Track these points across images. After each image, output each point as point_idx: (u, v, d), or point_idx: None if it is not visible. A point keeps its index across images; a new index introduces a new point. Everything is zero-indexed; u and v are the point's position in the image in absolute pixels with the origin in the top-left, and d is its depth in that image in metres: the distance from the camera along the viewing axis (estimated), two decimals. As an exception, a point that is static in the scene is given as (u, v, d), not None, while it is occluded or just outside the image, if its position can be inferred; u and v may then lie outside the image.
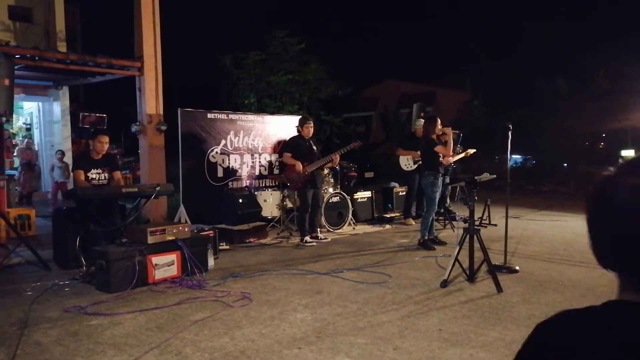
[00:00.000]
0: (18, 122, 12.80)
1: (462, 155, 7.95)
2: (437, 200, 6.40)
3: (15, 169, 11.26)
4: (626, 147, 20.80)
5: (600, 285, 4.60)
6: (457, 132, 7.56)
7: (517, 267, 5.23)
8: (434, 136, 6.42)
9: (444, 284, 4.63)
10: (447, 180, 7.78)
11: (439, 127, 6.49)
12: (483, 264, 4.72)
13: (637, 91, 17.17)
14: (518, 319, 3.83)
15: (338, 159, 7.00)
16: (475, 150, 8.21)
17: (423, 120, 8.18)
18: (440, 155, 6.36)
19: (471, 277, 4.76)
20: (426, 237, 6.39)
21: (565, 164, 18.60)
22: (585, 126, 17.59)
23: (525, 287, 4.66)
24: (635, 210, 0.74)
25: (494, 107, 19.86)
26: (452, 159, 7.50)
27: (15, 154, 11.68)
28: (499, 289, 4.45)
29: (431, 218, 6.45)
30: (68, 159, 11.25)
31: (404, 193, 8.91)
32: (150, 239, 4.81)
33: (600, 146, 20.55)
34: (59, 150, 10.63)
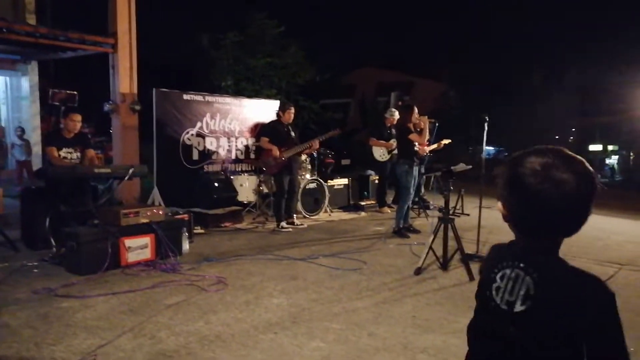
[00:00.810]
0: (-17, 98, 12.28)
1: (436, 146, 8.03)
2: (411, 188, 6.44)
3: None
4: (594, 142, 21.47)
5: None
6: (433, 120, 7.63)
7: (489, 256, 5.34)
8: (410, 125, 6.46)
9: (418, 271, 4.71)
10: (423, 170, 7.86)
11: (416, 115, 6.53)
12: (456, 252, 4.82)
13: (606, 89, 17.68)
14: (489, 306, 3.91)
15: (317, 145, 6.98)
16: (450, 140, 8.30)
17: (394, 110, 8.23)
18: (416, 144, 6.41)
19: (444, 265, 4.85)
20: (401, 225, 6.46)
21: None
22: (556, 120, 18.05)
23: (495, 275, 4.77)
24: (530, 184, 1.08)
25: (470, 99, 20.17)
26: (427, 148, 7.57)
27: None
28: (471, 277, 4.55)
29: (406, 207, 6.51)
30: (36, 136, 10.87)
31: (379, 181, 8.96)
32: (124, 221, 4.73)
33: (570, 140, 21.13)
34: (19, 126, 10.23)
